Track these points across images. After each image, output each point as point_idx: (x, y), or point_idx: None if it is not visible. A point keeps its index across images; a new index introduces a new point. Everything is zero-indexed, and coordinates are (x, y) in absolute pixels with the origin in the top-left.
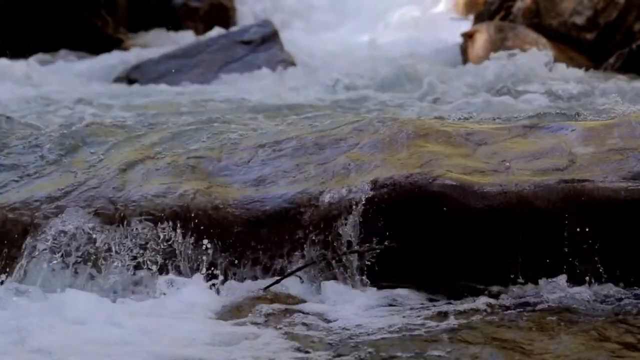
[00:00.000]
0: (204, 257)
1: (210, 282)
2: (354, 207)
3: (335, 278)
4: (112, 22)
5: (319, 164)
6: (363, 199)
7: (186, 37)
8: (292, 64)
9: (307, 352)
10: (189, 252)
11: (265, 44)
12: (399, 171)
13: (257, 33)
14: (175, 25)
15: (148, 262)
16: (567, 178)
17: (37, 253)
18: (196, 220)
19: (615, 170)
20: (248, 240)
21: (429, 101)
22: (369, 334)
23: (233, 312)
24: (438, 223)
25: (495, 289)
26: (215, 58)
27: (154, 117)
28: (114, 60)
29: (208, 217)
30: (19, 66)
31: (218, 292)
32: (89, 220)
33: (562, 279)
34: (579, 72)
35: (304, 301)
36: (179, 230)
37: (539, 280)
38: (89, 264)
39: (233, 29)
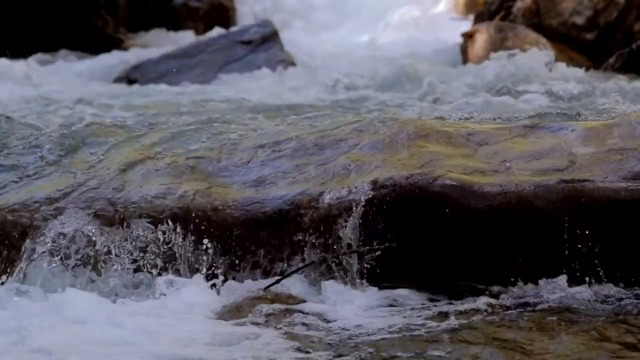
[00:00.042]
0: (204, 258)
1: (210, 283)
2: (354, 207)
3: (335, 278)
4: (112, 22)
5: (319, 165)
6: (363, 200)
7: (186, 37)
8: (292, 64)
9: (307, 352)
10: (189, 252)
11: (265, 44)
12: (399, 171)
13: (257, 33)
14: (175, 25)
15: (148, 263)
16: (567, 178)
17: (36, 255)
18: (196, 221)
19: (615, 170)
20: (248, 241)
21: (429, 101)
22: (369, 334)
23: (233, 312)
24: (438, 223)
25: (495, 289)
26: (215, 58)
27: (154, 117)
28: (114, 60)
29: (208, 218)
30: (18, 66)
31: (218, 292)
32: (89, 222)
33: (562, 279)
34: (579, 72)
35: (304, 301)
36: (178, 231)
37: (539, 280)
38: (89, 266)
39: (233, 29)
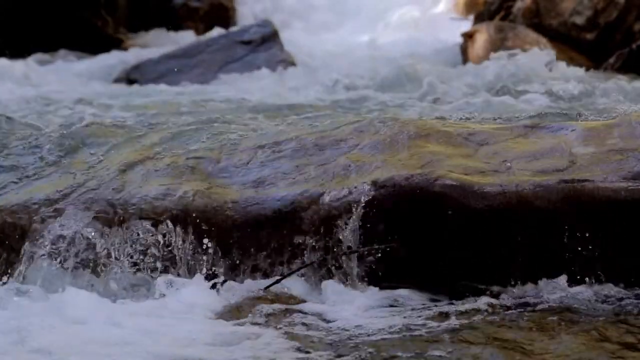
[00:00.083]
0: (204, 258)
1: (210, 283)
2: (354, 208)
3: (335, 278)
4: (112, 22)
5: (319, 165)
6: (363, 200)
7: (186, 37)
8: (292, 64)
9: (307, 352)
10: (189, 253)
11: (265, 44)
12: (400, 172)
13: (257, 33)
14: (175, 25)
15: (148, 263)
16: (567, 178)
17: (36, 257)
18: (196, 222)
19: (615, 170)
20: (248, 242)
21: (429, 101)
22: (369, 334)
23: (233, 312)
24: (438, 223)
25: (495, 289)
26: (215, 58)
27: (154, 117)
28: (114, 60)
29: (207, 219)
30: (18, 66)
31: (218, 292)
32: (88, 223)
33: (562, 279)
34: (579, 72)
35: (304, 301)
36: (178, 232)
37: (539, 281)
38: (89, 267)
39: (233, 29)
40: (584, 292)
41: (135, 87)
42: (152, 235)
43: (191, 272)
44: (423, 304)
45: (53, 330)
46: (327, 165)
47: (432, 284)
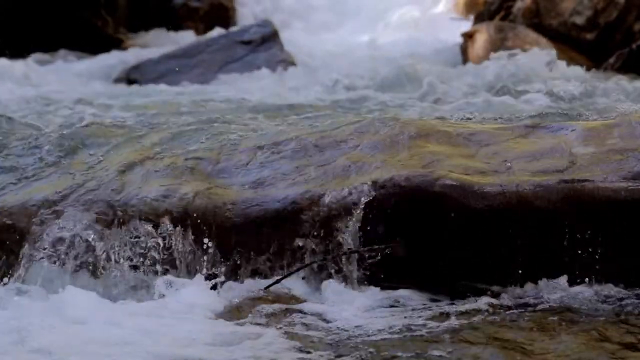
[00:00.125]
0: (204, 259)
1: (210, 283)
2: (354, 208)
3: (336, 278)
4: (112, 22)
5: (319, 166)
6: (363, 200)
7: (186, 37)
8: (292, 64)
9: (308, 352)
10: (189, 253)
11: (265, 44)
12: (400, 172)
13: (257, 33)
14: (175, 25)
15: (148, 264)
16: (568, 178)
17: (36, 257)
18: (196, 223)
19: (615, 170)
20: (248, 242)
21: (429, 101)
22: (369, 334)
23: (233, 312)
24: (439, 223)
25: (496, 289)
26: (215, 58)
27: (154, 117)
28: (114, 60)
29: (207, 220)
30: (17, 66)
31: (218, 292)
32: (88, 224)
33: (562, 279)
34: (579, 72)
35: (304, 301)
36: (178, 232)
37: (539, 281)
38: (89, 268)
39: (233, 29)
40: (584, 292)
41: (135, 87)
42: (151, 236)
43: (191, 273)
44: (423, 304)
45: (53, 330)
46: (327, 166)
47: (432, 284)
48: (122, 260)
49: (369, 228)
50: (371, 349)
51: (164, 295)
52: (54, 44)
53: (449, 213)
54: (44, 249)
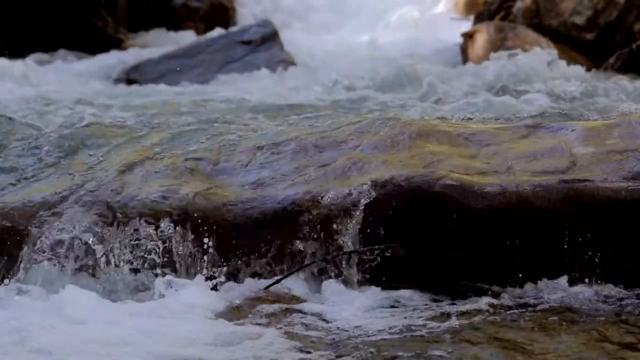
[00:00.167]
0: (204, 259)
1: (210, 283)
2: (354, 208)
3: (336, 278)
4: (112, 22)
5: (319, 166)
6: (364, 201)
7: (186, 37)
8: (292, 64)
9: (308, 352)
10: (189, 254)
11: (265, 44)
12: (400, 172)
13: (257, 33)
14: (175, 25)
15: (148, 264)
16: (568, 178)
17: (34, 260)
18: (196, 223)
19: (615, 171)
20: (248, 242)
21: (429, 101)
22: (370, 334)
23: (233, 312)
24: (439, 223)
25: (496, 289)
26: (215, 58)
27: (154, 117)
28: (114, 60)
29: (207, 220)
30: (17, 66)
31: (218, 292)
32: (88, 225)
33: (562, 279)
34: (580, 72)
35: (304, 301)
36: (178, 233)
37: (540, 281)
38: (89, 268)
39: (233, 29)
40: (584, 292)
41: (135, 87)
42: (151, 237)
43: (191, 273)
44: (424, 304)
45: (53, 330)
46: (327, 167)
47: (432, 284)
48: (122, 261)
49: (369, 228)
50: (371, 349)
51: (164, 296)
52: (53, 44)
53: (450, 213)
54: (44, 249)
